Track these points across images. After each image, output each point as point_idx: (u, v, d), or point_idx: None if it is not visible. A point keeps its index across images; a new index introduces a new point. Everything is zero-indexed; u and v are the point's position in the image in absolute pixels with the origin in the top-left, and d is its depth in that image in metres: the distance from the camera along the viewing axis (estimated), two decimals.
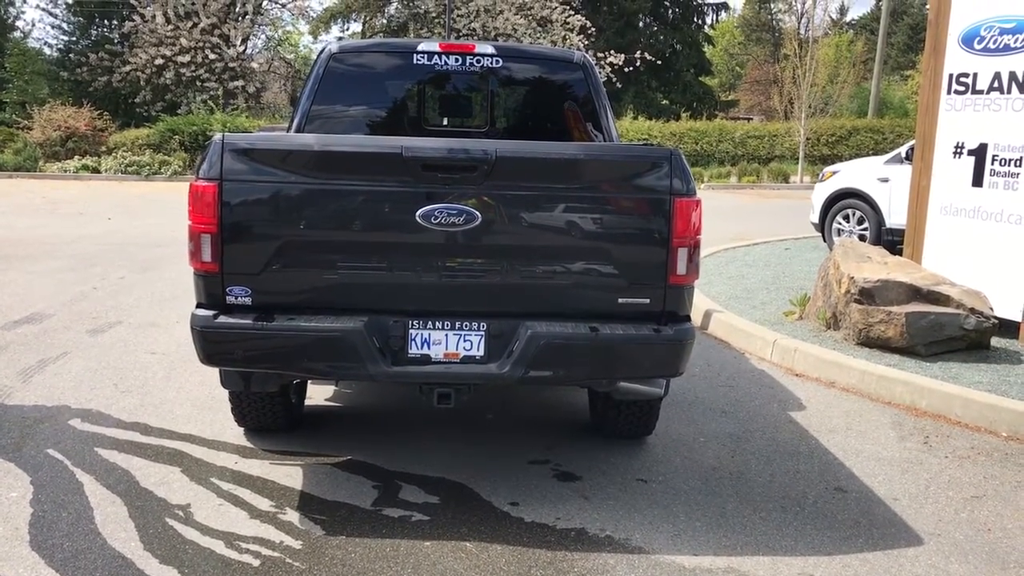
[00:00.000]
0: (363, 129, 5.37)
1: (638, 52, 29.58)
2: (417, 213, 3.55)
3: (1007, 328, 6.72)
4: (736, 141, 29.24)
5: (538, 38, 28.61)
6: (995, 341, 6.51)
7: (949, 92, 7.35)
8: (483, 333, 3.70)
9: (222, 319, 3.63)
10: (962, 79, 7.25)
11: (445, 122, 5.73)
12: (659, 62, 33.65)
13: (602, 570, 3.44)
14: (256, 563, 3.42)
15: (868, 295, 6.43)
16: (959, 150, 7.28)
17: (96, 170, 22.21)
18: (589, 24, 29.54)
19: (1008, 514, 4.08)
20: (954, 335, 6.26)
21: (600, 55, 29.13)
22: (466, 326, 3.71)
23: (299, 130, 5.03)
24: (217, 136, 3.62)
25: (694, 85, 43.94)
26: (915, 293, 6.42)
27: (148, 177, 21.79)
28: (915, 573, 3.49)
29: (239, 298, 3.64)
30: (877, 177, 10.85)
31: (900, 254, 7.80)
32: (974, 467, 4.63)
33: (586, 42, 28.97)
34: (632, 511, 3.96)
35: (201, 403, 5.19)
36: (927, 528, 3.89)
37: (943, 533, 3.85)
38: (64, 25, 34.07)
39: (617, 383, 4.06)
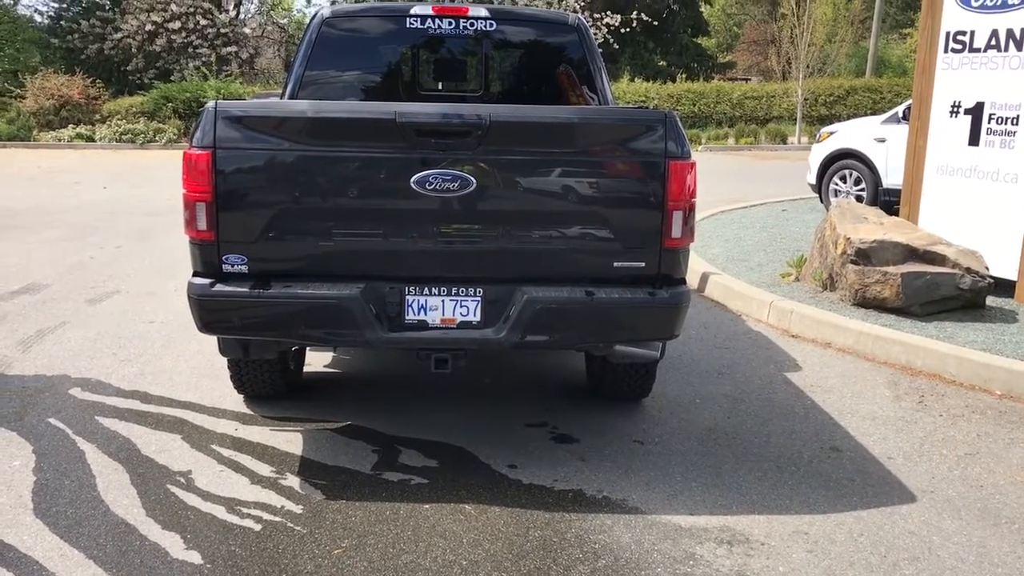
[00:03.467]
0: (357, 94, 5.35)
1: (634, 12, 29.26)
2: (412, 179, 3.54)
3: (1003, 287, 6.74)
4: (734, 102, 29.07)
5: None
6: (990, 300, 6.53)
7: (946, 51, 7.30)
8: (479, 298, 3.72)
9: (219, 287, 3.64)
10: (959, 37, 7.19)
11: (439, 86, 5.70)
12: (656, 23, 33.27)
13: (599, 530, 3.49)
14: (258, 528, 3.46)
15: (864, 256, 6.44)
16: (956, 109, 7.25)
17: (91, 139, 22.08)
18: None
19: (1000, 471, 4.12)
20: (950, 295, 6.28)
21: (596, 16, 28.82)
22: (462, 291, 3.72)
23: (292, 96, 5.01)
24: (210, 104, 3.61)
25: (691, 46, 43.58)
26: (911, 253, 6.43)
27: (143, 145, 21.67)
28: (908, 529, 3.54)
29: (235, 266, 3.65)
30: (874, 137, 10.82)
31: (897, 215, 7.80)
32: (968, 425, 4.68)
33: (582, 3, 28.66)
34: (629, 472, 4.00)
35: (200, 371, 5.22)
36: (921, 485, 3.94)
37: (936, 490, 3.90)
38: None
39: (613, 346, 4.09)
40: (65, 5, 33.00)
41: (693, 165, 3.71)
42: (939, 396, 5.10)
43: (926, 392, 5.17)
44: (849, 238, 6.53)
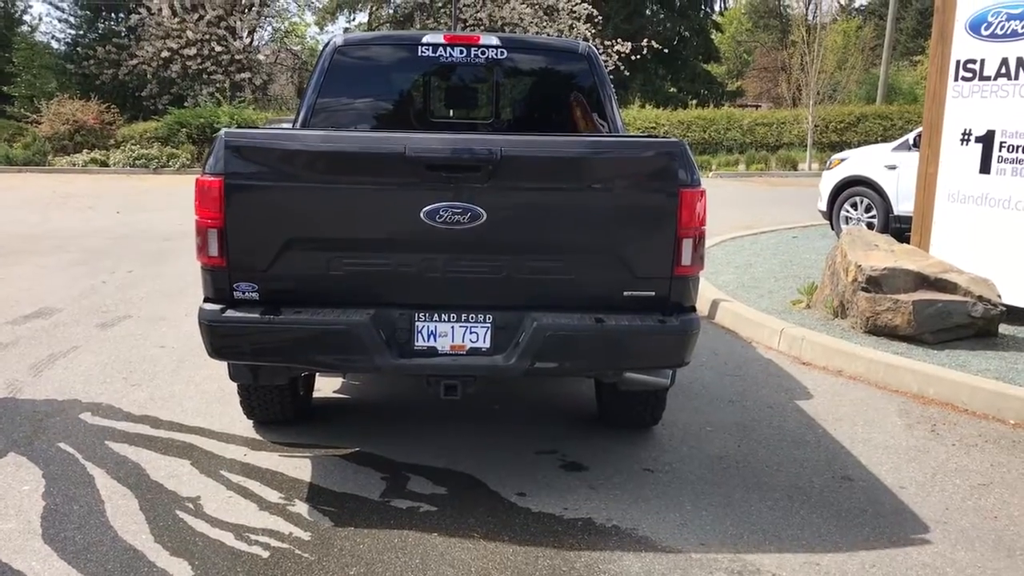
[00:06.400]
0: (369, 122, 5.39)
1: (645, 40, 29.47)
2: (421, 212, 3.54)
3: (1015, 315, 6.70)
4: (744, 129, 29.14)
5: (544, 27, 28.53)
6: (1003, 328, 6.49)
7: (956, 79, 7.31)
8: (489, 325, 3.72)
9: (229, 313, 3.65)
10: (969, 65, 7.20)
11: (451, 114, 5.73)
12: (666, 50, 33.52)
13: (609, 560, 3.46)
14: (265, 555, 3.44)
15: (875, 283, 6.42)
16: (966, 137, 7.25)
17: (105, 164, 22.27)
18: (596, 12, 29.44)
19: (1015, 502, 4.08)
20: (962, 323, 6.24)
21: (607, 43, 29.02)
22: (472, 318, 3.72)
23: (305, 123, 5.05)
24: (222, 132, 3.64)
25: (702, 73, 43.81)
26: (922, 281, 6.41)
27: (156, 170, 21.84)
28: (921, 561, 3.50)
29: (246, 292, 3.67)
30: (884, 164, 10.82)
31: (908, 242, 7.78)
32: (981, 455, 4.63)
33: (593, 31, 28.87)
34: (639, 500, 3.98)
35: (210, 396, 5.23)
36: (934, 516, 3.90)
37: (950, 521, 3.86)
38: (71, 19, 34.24)
39: (623, 374, 4.08)
40: (82, 32, 33.51)
41: (703, 193, 3.71)
42: (952, 425, 5.06)
43: (938, 421, 5.13)
44: (860, 265, 6.51)
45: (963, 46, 7.24)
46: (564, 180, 3.66)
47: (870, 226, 10.75)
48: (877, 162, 10.98)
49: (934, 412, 5.28)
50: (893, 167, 10.66)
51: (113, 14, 32.98)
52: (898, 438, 4.84)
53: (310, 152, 3.65)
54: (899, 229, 10.12)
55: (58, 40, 34.45)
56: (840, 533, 3.72)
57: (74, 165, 22.12)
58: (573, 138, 3.91)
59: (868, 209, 11.03)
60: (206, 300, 3.73)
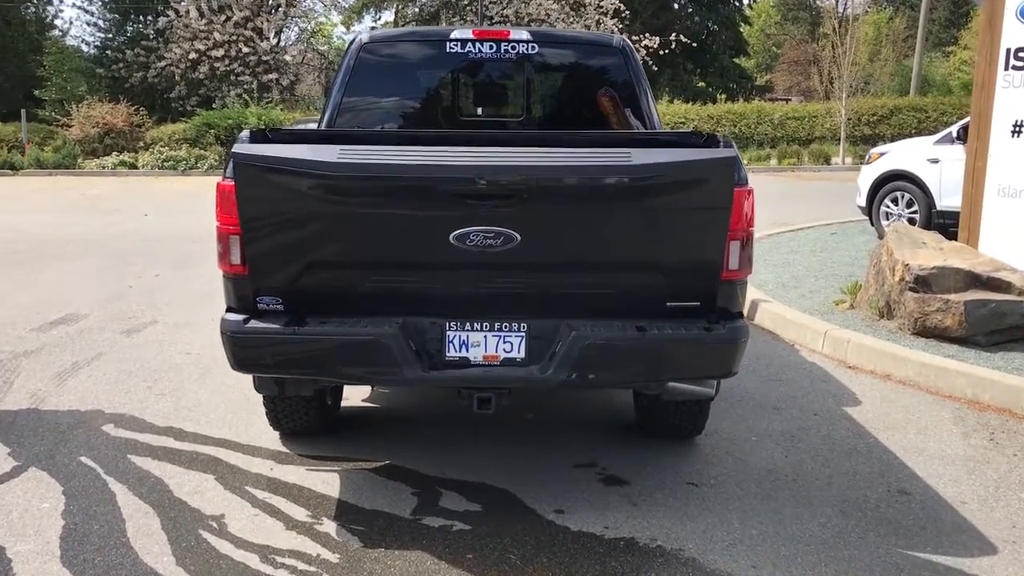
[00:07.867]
0: (396, 121, 5.22)
1: (673, 34, 29.06)
2: (450, 236, 3.30)
3: None
4: (775, 123, 28.72)
5: (571, 23, 28.25)
6: None
7: (1006, 68, 7.01)
8: (523, 334, 3.51)
9: (252, 323, 3.49)
10: (1020, 54, 6.90)
11: (480, 111, 5.53)
12: (695, 44, 33.07)
13: None
14: None
15: (924, 283, 6.15)
16: (1018, 128, 6.94)
17: (133, 166, 22.35)
18: (623, 7, 29.10)
19: None
20: (1016, 323, 5.96)
21: (635, 38, 28.67)
22: (506, 327, 3.51)
23: (330, 123, 4.89)
24: (243, 134, 3.48)
25: (731, 67, 43.35)
26: (974, 280, 6.13)
27: (185, 172, 21.86)
28: None
29: (270, 305, 3.50)
30: (927, 158, 10.48)
31: (954, 238, 7.49)
32: None
33: (620, 25, 28.55)
34: (684, 518, 3.76)
35: (236, 406, 5.07)
36: (1000, 535, 3.65)
37: (1019, 540, 3.61)
38: (100, 22, 34.60)
39: (666, 384, 3.85)
40: (111, 35, 33.81)
41: (751, 192, 3.48)
42: (1011, 433, 4.80)
43: (996, 429, 4.86)
44: (908, 264, 6.24)
45: (1014, 34, 6.93)
46: (604, 194, 3.38)
47: (911, 221, 10.42)
48: (919, 156, 10.64)
49: (991, 419, 5.01)
50: (936, 161, 10.32)
51: (141, 17, 33.25)
52: (955, 447, 4.59)
53: (324, 172, 3.34)
54: (942, 225, 9.79)
55: (88, 44, 34.89)
56: (900, 554, 3.49)
57: (103, 168, 22.20)
58: (611, 151, 3.58)
59: (909, 204, 10.70)
60: (228, 310, 3.58)
